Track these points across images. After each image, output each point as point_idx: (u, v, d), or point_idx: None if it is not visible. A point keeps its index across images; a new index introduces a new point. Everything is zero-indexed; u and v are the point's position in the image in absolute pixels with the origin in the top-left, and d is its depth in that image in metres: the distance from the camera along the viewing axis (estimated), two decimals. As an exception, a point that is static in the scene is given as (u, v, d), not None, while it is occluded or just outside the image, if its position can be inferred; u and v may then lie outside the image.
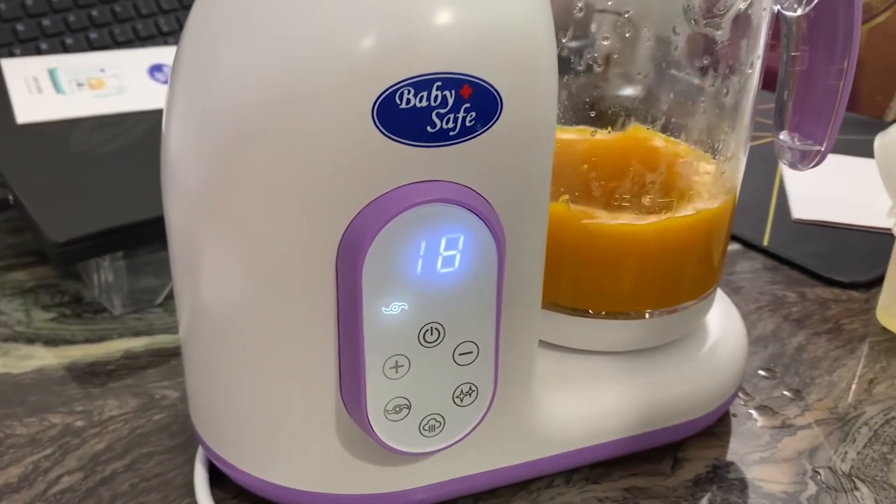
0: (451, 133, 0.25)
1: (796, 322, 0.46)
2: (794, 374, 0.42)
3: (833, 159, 0.67)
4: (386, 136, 0.24)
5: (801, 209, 0.58)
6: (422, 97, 0.24)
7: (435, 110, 0.25)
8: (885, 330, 0.46)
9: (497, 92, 0.25)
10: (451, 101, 0.25)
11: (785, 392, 0.41)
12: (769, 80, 0.37)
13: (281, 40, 0.24)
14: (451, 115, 0.25)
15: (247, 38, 0.25)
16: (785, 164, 0.40)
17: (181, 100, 0.27)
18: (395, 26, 0.24)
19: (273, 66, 0.24)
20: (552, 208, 0.32)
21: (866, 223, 0.56)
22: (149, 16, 0.68)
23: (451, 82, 0.24)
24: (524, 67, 0.25)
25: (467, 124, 0.25)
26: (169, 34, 0.68)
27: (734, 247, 0.54)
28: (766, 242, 0.54)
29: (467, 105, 0.25)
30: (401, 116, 0.24)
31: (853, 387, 0.41)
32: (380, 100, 0.24)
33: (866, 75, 0.77)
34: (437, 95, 0.24)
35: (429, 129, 0.25)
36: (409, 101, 0.24)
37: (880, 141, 0.45)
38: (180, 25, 0.69)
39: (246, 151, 0.25)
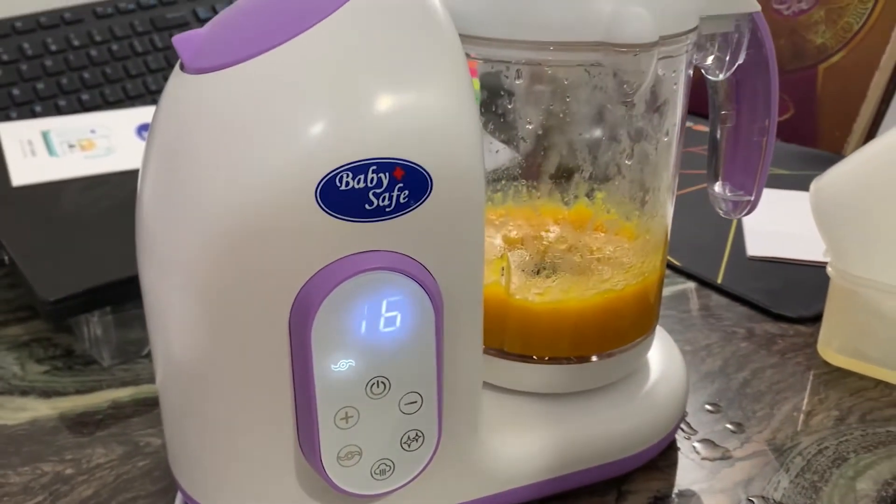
0: (387, 209, 0.28)
1: (743, 357, 0.49)
2: (738, 408, 0.45)
3: (791, 195, 0.70)
4: (328, 214, 0.28)
5: (756, 246, 0.61)
6: (359, 179, 0.28)
7: (371, 190, 0.28)
8: (826, 363, 0.49)
9: (427, 172, 0.28)
10: (385, 181, 0.28)
11: (727, 426, 0.43)
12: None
13: (235, 144, 0.27)
14: (387, 194, 0.28)
15: (205, 147, 0.28)
16: (720, 212, 0.43)
17: (150, 189, 0.30)
18: (334, 119, 0.27)
19: (230, 169, 0.27)
20: (495, 267, 0.35)
21: (819, 258, 0.59)
22: (137, 76, 0.72)
23: (385, 166, 0.28)
24: (450, 149, 0.29)
25: (401, 201, 0.28)
26: (157, 92, 0.72)
27: (689, 284, 0.57)
28: (720, 280, 0.57)
29: (400, 185, 0.28)
30: (341, 197, 0.28)
31: (791, 419, 0.44)
32: (322, 183, 0.27)
33: (824, 112, 0.80)
34: (372, 178, 0.28)
35: (367, 206, 0.28)
36: (347, 183, 0.28)
37: (815, 186, 0.48)
38: (168, 84, 0.72)
39: (209, 236, 0.28)
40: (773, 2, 0.83)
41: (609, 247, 0.36)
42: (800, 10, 0.81)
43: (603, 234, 0.36)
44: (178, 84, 0.30)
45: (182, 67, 0.30)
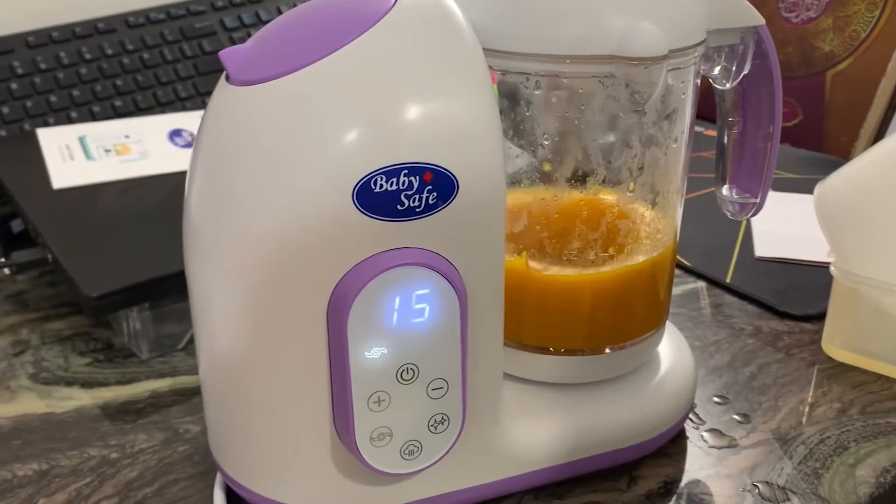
0: (417, 210, 0.31)
1: (750, 353, 0.51)
2: (745, 400, 0.47)
3: (799, 198, 0.72)
4: (364, 213, 0.30)
5: (764, 247, 0.64)
6: (392, 182, 0.30)
7: (403, 192, 0.30)
8: (829, 358, 0.51)
9: (453, 175, 0.31)
10: (416, 184, 0.30)
11: (734, 416, 0.46)
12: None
13: (279, 150, 0.30)
14: (417, 196, 0.31)
15: (250, 153, 0.31)
16: (728, 214, 0.45)
17: (198, 191, 0.33)
18: (369, 128, 0.30)
19: (274, 174, 0.30)
20: (515, 263, 0.38)
21: (824, 259, 0.61)
22: (168, 83, 0.75)
23: (416, 170, 0.30)
24: (475, 154, 0.31)
25: (430, 202, 0.31)
26: (186, 99, 0.75)
27: (699, 284, 0.60)
28: (728, 279, 0.59)
29: (429, 187, 0.31)
30: (375, 198, 0.30)
31: (795, 410, 0.46)
32: (358, 186, 0.30)
33: (832, 118, 0.82)
34: (404, 181, 0.30)
35: (398, 207, 0.31)
36: (381, 185, 0.30)
37: (818, 189, 0.50)
38: (197, 91, 0.75)
39: (254, 236, 0.31)
40: (782, 10, 0.85)
41: (623, 242, 0.39)
42: (808, 18, 0.83)
43: (619, 232, 0.38)
44: (223, 95, 0.33)
45: (227, 79, 0.33)
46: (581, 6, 0.33)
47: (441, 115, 0.31)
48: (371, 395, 0.32)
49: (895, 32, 0.77)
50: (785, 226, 0.67)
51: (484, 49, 0.33)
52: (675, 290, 0.59)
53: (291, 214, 0.30)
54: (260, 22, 0.81)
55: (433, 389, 0.33)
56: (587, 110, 0.36)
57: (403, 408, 0.33)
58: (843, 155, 0.81)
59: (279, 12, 0.82)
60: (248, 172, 0.31)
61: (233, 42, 0.79)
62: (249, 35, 0.80)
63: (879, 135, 0.79)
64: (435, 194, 0.31)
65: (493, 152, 0.32)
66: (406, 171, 0.30)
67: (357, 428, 0.33)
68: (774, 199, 0.73)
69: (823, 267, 0.60)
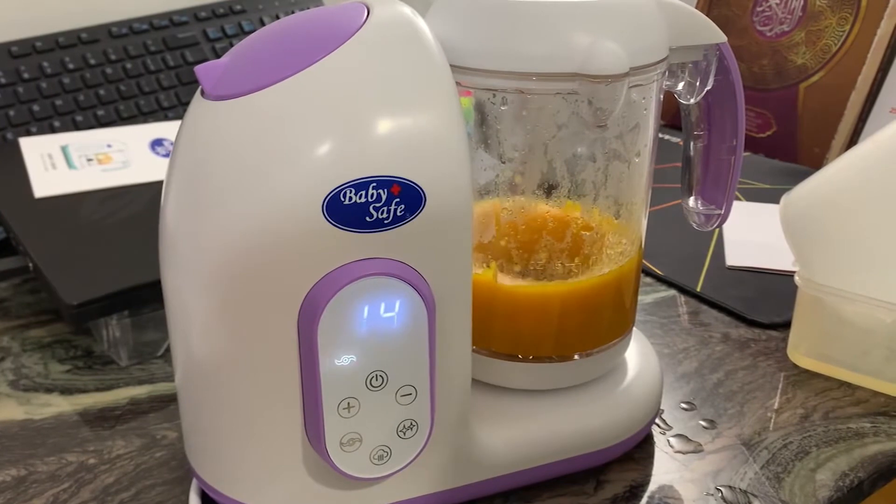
0: (386, 221, 0.32)
1: (718, 360, 0.53)
2: (711, 406, 0.48)
3: (771, 208, 0.74)
4: (333, 225, 0.31)
5: (735, 256, 0.65)
6: (361, 195, 0.31)
7: (372, 205, 0.31)
8: (795, 365, 0.52)
9: (421, 188, 0.32)
10: (384, 197, 0.31)
11: (700, 422, 0.47)
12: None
13: (252, 164, 0.31)
14: (385, 208, 0.32)
15: (224, 167, 0.32)
16: (694, 225, 0.47)
17: (173, 203, 0.33)
18: (339, 142, 0.31)
19: (247, 187, 0.31)
20: (484, 273, 0.39)
21: (793, 268, 0.62)
22: (150, 92, 0.76)
23: (384, 183, 0.31)
24: (442, 168, 0.32)
25: (398, 214, 0.32)
26: (168, 109, 0.76)
27: (670, 292, 0.61)
28: (699, 288, 0.61)
29: (397, 199, 0.32)
30: (345, 210, 0.31)
31: (760, 416, 0.47)
32: (328, 198, 0.31)
33: (805, 129, 0.84)
34: (373, 193, 0.31)
35: (367, 219, 0.32)
36: (350, 198, 0.31)
37: (784, 200, 0.51)
38: (179, 100, 0.76)
39: (228, 246, 0.32)
40: (756, 24, 0.87)
41: (589, 253, 0.40)
42: (782, 32, 0.85)
43: (584, 243, 0.40)
44: (199, 109, 0.34)
45: (203, 94, 0.34)
46: (546, 26, 0.34)
47: (409, 129, 0.32)
48: (341, 401, 0.33)
49: (865, 46, 0.79)
50: (756, 235, 0.68)
51: (451, 66, 0.34)
52: (647, 298, 0.60)
53: (263, 225, 0.31)
54: (242, 32, 0.81)
55: (402, 396, 0.34)
56: (552, 126, 0.37)
57: (373, 414, 0.34)
58: (816, 165, 0.83)
59: (261, 23, 0.83)
60: (221, 184, 0.32)
61: (215, 52, 0.80)
62: (232, 45, 0.80)
63: (850, 146, 0.81)
64: (403, 206, 0.32)
65: (460, 166, 0.33)
66: (375, 184, 0.31)
67: (327, 433, 0.34)
68: (746, 208, 0.74)
69: (792, 276, 0.61)
